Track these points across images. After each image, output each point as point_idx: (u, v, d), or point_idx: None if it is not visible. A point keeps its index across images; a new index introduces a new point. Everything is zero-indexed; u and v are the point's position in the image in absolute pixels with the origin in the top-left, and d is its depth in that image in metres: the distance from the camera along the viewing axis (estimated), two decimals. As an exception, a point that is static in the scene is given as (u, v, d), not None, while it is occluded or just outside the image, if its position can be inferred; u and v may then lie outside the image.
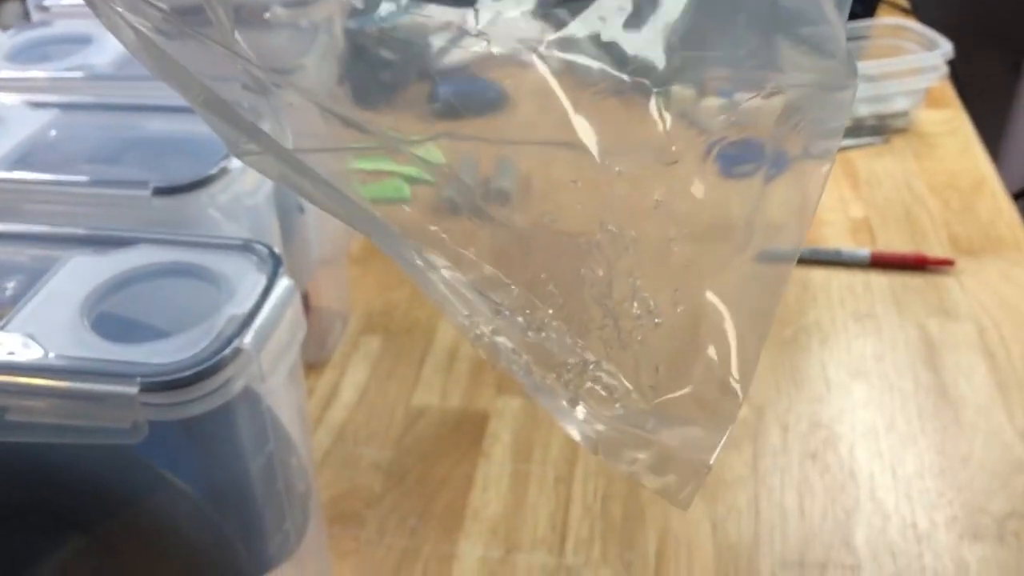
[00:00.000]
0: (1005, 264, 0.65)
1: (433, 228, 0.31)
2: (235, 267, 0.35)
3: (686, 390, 0.25)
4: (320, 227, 0.58)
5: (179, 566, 0.38)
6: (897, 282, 0.64)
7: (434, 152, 0.36)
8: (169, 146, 0.46)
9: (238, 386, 0.32)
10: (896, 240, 0.68)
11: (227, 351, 0.32)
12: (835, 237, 0.69)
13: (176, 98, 0.52)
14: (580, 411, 0.25)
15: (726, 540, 0.48)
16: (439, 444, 0.54)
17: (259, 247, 0.36)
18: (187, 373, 0.31)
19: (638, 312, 0.25)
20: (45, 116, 0.46)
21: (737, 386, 0.25)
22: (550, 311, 0.25)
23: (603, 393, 0.25)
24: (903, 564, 0.46)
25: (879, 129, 0.80)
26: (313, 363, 0.59)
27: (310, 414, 0.56)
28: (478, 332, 0.26)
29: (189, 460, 0.35)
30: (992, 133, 0.93)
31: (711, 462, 0.24)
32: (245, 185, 0.43)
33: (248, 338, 0.32)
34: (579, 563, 0.47)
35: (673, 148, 0.35)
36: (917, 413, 0.55)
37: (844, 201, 0.73)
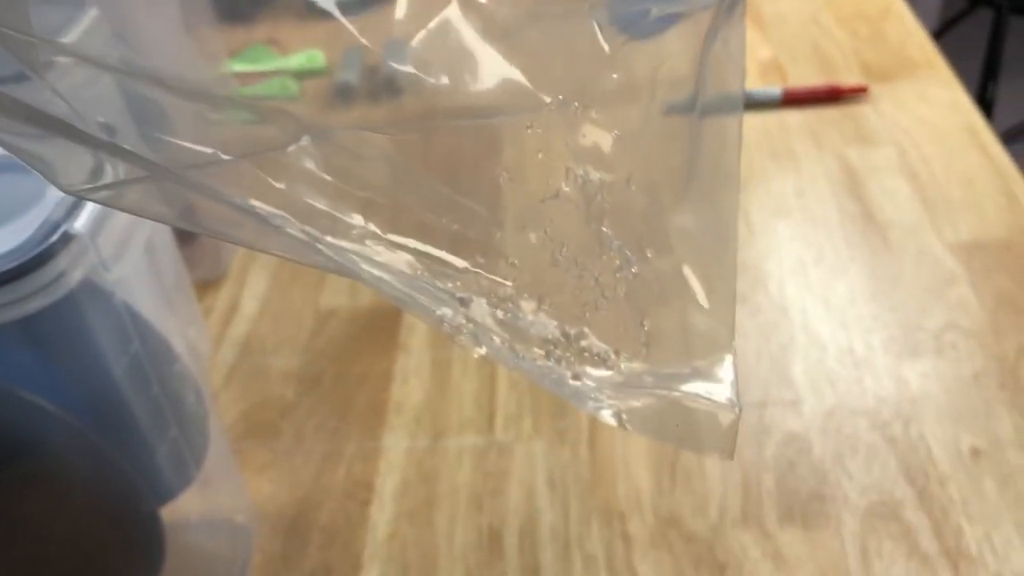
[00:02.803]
0: (919, 85, 0.63)
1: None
2: (61, 152, 0.31)
3: (677, 338, 0.21)
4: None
5: (67, 496, 0.35)
6: (812, 117, 0.62)
7: (316, 56, 0.32)
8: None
9: (75, 276, 0.28)
10: (808, 76, 0.66)
11: (55, 237, 0.28)
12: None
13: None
14: (588, 387, 0.22)
15: (661, 394, 0.46)
16: (353, 344, 0.51)
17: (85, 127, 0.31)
18: (11, 266, 0.27)
19: (618, 263, 0.22)
20: None
21: (725, 314, 0.22)
22: (510, 284, 0.22)
23: (597, 362, 0.22)
24: (843, 390, 0.45)
25: (780, -30, 0.77)
26: (209, 280, 0.55)
27: (210, 331, 0.52)
28: (455, 324, 0.22)
29: (42, 372, 0.31)
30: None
31: (736, 400, 0.21)
32: (83, 74, 0.38)
33: (80, 221, 0.28)
34: (510, 439, 0.44)
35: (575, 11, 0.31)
36: (845, 242, 0.53)
37: (751, 43, 0.70)
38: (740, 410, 0.20)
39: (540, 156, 0.23)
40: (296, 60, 0.33)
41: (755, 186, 0.57)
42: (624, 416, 0.21)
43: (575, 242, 0.21)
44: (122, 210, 0.21)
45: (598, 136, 0.23)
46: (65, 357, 0.30)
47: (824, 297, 0.50)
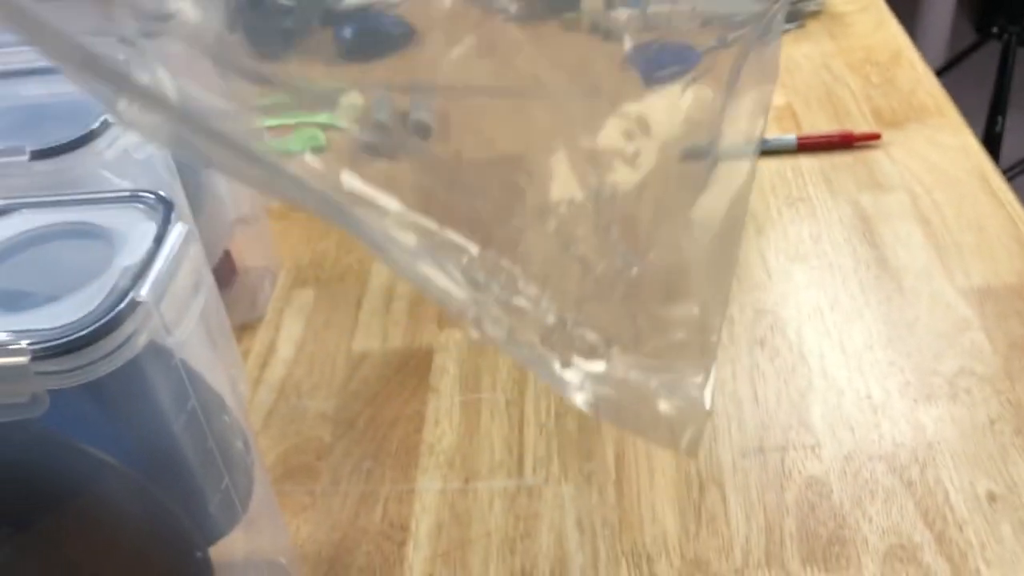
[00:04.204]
0: (930, 131, 0.65)
1: (350, 177, 0.28)
2: (123, 219, 0.33)
3: (666, 336, 0.24)
4: (233, 183, 0.56)
5: (123, 542, 0.36)
6: (827, 163, 0.64)
7: (352, 97, 0.34)
8: (46, 111, 0.43)
9: (141, 342, 0.30)
10: (821, 122, 0.67)
11: (122, 305, 0.29)
12: (761, 126, 0.68)
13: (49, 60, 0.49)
14: (574, 373, 0.24)
15: (685, 438, 0.47)
16: (386, 386, 0.53)
17: (146, 195, 0.33)
18: (81, 334, 0.29)
19: (620, 265, 0.24)
20: (-94, 95, 0.43)
21: (715, 321, 0.24)
22: (518, 269, 0.24)
23: (588, 351, 0.24)
24: (861, 435, 0.46)
25: (793, 15, 0.79)
26: (246, 323, 0.57)
27: (248, 373, 0.54)
28: (461, 303, 0.24)
29: (106, 428, 0.33)
30: (906, 13, 0.93)
31: (708, 404, 0.23)
32: (132, 138, 0.40)
33: (145, 289, 0.30)
34: (539, 482, 0.46)
35: (594, 66, 0.33)
36: (859, 287, 0.54)
37: (766, 90, 0.72)
38: (709, 414, 0.22)
39: (558, 164, 0.24)
40: (321, 116, 0.35)
41: (772, 231, 0.59)
42: (601, 406, 0.23)
43: (583, 242, 0.23)
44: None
45: (616, 153, 0.25)
46: (128, 416, 0.32)
47: (841, 342, 0.51)
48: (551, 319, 0.24)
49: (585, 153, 0.27)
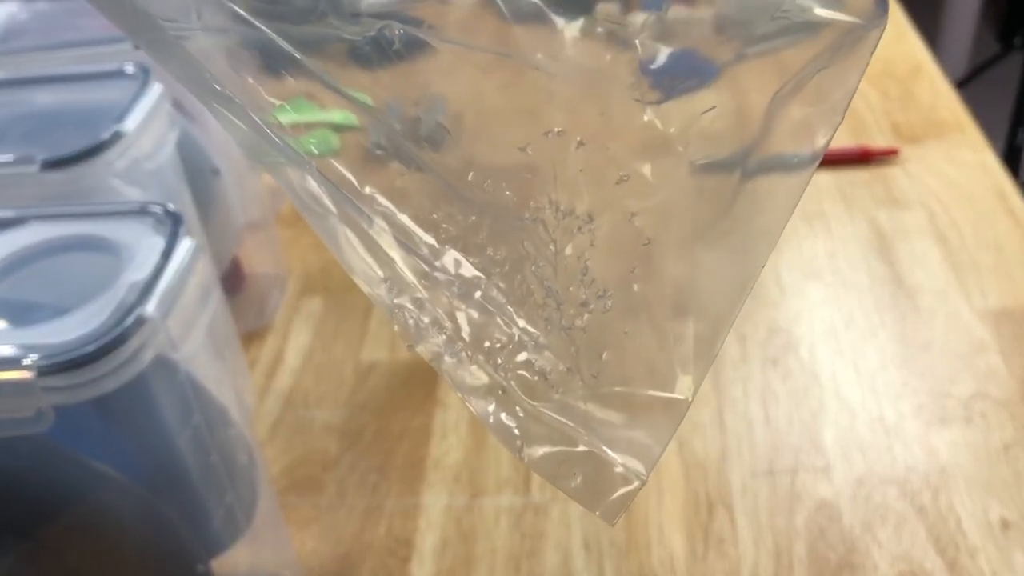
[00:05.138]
0: (948, 147, 0.64)
1: (366, 188, 0.28)
2: (131, 233, 0.33)
3: (632, 387, 0.22)
4: (242, 190, 0.56)
5: (126, 555, 0.36)
6: (843, 178, 0.63)
7: (363, 96, 0.34)
8: (59, 118, 0.43)
9: (147, 357, 0.30)
10: (839, 136, 0.66)
11: (129, 321, 0.29)
12: (777, 140, 0.67)
13: (62, 67, 0.49)
14: (503, 403, 0.22)
15: (694, 457, 0.47)
16: (393, 397, 0.52)
17: (155, 208, 0.33)
18: (87, 350, 0.29)
19: (584, 297, 0.22)
20: (-80, 101, 0.43)
21: (689, 387, 0.22)
22: (487, 277, 0.23)
23: (535, 379, 0.22)
24: (873, 458, 0.45)
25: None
26: (253, 331, 0.57)
27: (254, 383, 0.53)
28: (397, 302, 0.23)
29: (110, 442, 0.32)
30: (928, 23, 0.92)
31: (646, 475, 0.21)
32: (143, 148, 0.40)
33: (152, 305, 0.30)
34: (546, 500, 0.45)
35: (607, 68, 0.33)
36: (875, 306, 0.54)
37: (782, 102, 0.71)
38: (642, 484, 0.20)
39: (528, 177, 0.22)
40: (336, 115, 0.35)
41: (787, 247, 0.58)
42: (525, 447, 0.21)
43: (548, 265, 0.22)
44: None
45: (600, 172, 0.23)
46: (133, 430, 0.32)
47: (855, 362, 0.50)
48: (505, 335, 0.22)
49: (560, 150, 0.25)
